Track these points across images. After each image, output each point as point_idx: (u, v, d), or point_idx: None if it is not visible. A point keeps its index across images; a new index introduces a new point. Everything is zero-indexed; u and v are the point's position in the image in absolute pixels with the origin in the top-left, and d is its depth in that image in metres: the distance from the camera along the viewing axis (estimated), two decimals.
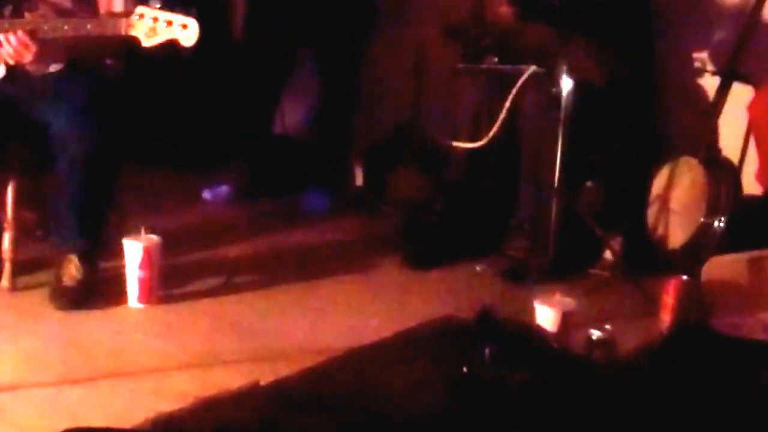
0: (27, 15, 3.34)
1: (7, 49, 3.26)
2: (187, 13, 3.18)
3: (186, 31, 3.17)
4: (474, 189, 4.17)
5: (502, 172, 4.12)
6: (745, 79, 3.93)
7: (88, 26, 3.27)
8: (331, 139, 4.73)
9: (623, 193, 4.11)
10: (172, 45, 3.19)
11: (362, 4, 4.63)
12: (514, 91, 3.89)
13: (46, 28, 3.29)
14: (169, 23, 3.18)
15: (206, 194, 4.67)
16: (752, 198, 3.91)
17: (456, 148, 4.14)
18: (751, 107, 3.87)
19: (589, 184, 4.04)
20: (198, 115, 4.93)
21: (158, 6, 3.18)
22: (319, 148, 4.74)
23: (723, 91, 3.94)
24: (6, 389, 2.92)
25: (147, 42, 3.20)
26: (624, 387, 2.95)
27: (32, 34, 3.27)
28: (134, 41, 3.22)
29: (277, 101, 4.81)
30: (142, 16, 3.19)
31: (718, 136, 4.09)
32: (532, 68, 3.90)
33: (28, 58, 3.28)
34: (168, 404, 2.75)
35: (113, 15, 3.35)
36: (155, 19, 3.18)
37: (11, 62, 3.31)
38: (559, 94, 3.82)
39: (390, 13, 4.86)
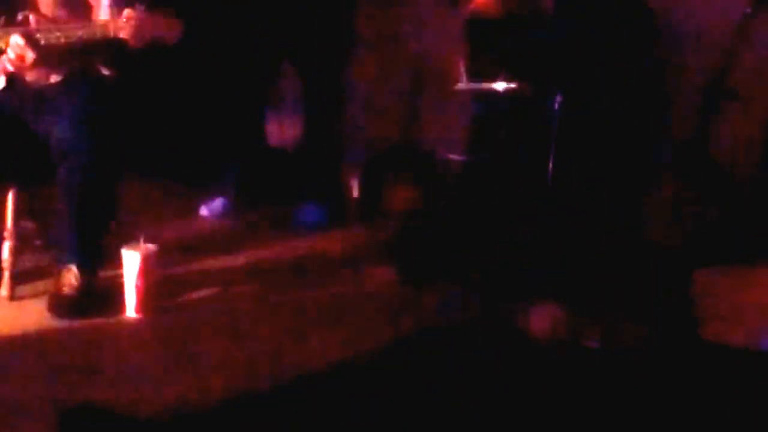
0: (32, 19, 3.40)
1: (9, 55, 3.32)
2: (169, 13, 3.31)
3: (170, 30, 3.31)
4: (470, 202, 4.19)
5: (500, 185, 4.16)
6: (732, 97, 3.97)
7: (79, 33, 3.34)
8: (318, 150, 4.72)
9: (617, 207, 4.15)
10: (157, 44, 3.32)
11: (342, 18, 4.63)
12: (514, 110, 3.94)
13: (38, 35, 3.35)
14: (155, 24, 3.30)
15: (203, 210, 4.69)
16: (740, 210, 3.96)
17: (453, 161, 4.17)
18: None
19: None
20: (192, 127, 4.96)
21: (143, 8, 3.30)
22: (308, 160, 4.75)
23: (711, 108, 3.98)
24: (4, 397, 2.95)
25: (135, 43, 3.31)
26: (613, 395, 2.99)
27: (28, 39, 3.33)
28: (123, 43, 3.32)
29: (263, 112, 4.82)
30: (129, 18, 3.30)
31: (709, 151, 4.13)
32: (531, 87, 3.94)
33: (28, 61, 3.33)
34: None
35: (101, 20, 3.41)
36: (141, 20, 3.29)
37: (11, 69, 3.36)
38: (551, 108, 3.87)
39: (386, 25, 4.92)
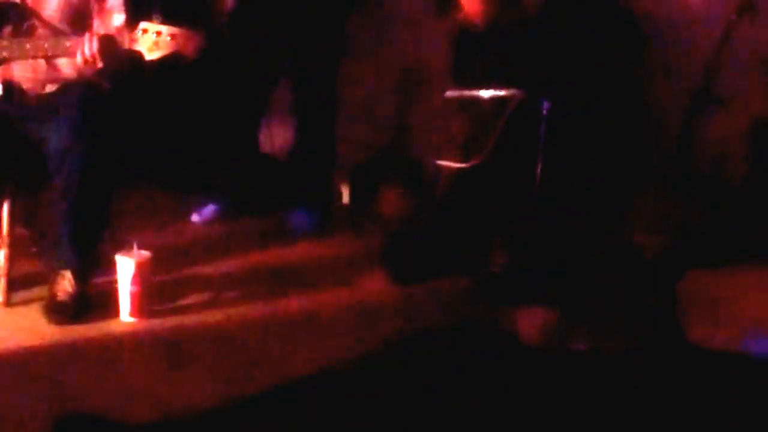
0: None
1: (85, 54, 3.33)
2: (190, 25, 3.27)
3: (190, 43, 3.27)
4: (459, 207, 4.22)
5: (488, 191, 4.18)
6: (717, 101, 4.02)
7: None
8: (311, 158, 4.74)
9: (604, 212, 4.18)
10: (174, 57, 3.29)
11: (336, 25, 4.63)
12: (504, 117, 3.97)
13: (46, 45, 3.37)
14: (173, 37, 3.27)
15: (195, 217, 4.71)
16: (725, 214, 4.00)
17: (442, 167, 4.19)
18: None
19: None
20: (184, 134, 4.98)
21: (160, 20, 3.28)
22: (301, 168, 4.77)
23: (696, 112, 4.02)
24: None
25: (150, 56, 3.28)
26: (601, 397, 3.03)
27: (34, 51, 3.36)
28: (137, 55, 3.31)
29: (259, 121, 4.84)
30: (145, 31, 3.29)
31: (693, 155, 4.17)
32: (519, 94, 3.96)
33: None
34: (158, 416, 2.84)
35: (115, 32, 3.42)
36: (158, 33, 3.27)
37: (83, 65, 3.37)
38: (539, 114, 3.91)
39: (375, 34, 4.96)
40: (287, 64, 4.62)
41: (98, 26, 3.54)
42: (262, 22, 4.52)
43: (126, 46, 3.32)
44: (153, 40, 3.27)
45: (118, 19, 3.52)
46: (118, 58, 3.35)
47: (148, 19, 3.31)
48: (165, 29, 3.27)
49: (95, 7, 3.57)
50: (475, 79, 4.17)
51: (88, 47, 3.30)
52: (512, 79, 4.02)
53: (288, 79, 4.68)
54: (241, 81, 4.61)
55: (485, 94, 4.11)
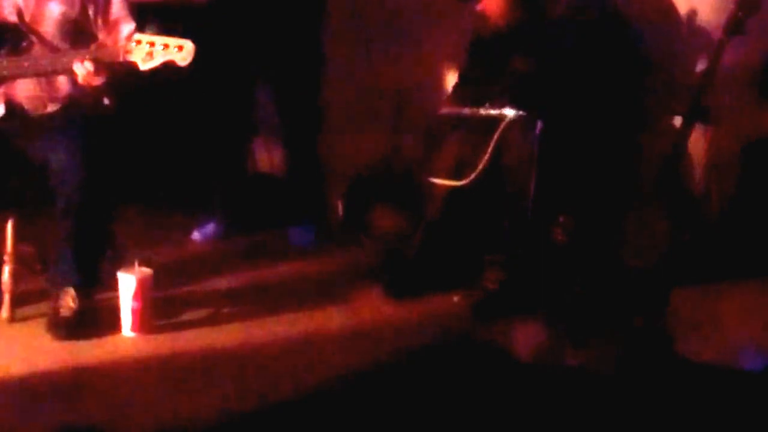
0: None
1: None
2: (182, 35, 3.33)
3: (182, 52, 3.31)
4: (452, 224, 4.26)
5: (481, 209, 4.19)
6: (707, 119, 4.07)
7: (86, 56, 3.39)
8: (299, 172, 4.78)
9: (595, 229, 4.23)
10: (168, 66, 3.34)
11: (311, 36, 4.67)
12: (496, 135, 4.01)
13: (44, 63, 3.42)
14: (166, 46, 3.32)
15: (195, 235, 4.76)
16: (713, 231, 4.05)
17: (435, 185, 4.23)
18: None
19: (561, 219, 4.15)
20: (183, 154, 5.00)
21: (153, 31, 3.34)
22: (293, 183, 4.81)
23: (686, 132, 4.07)
24: (3, 417, 3.03)
25: (144, 66, 3.33)
26: (593, 412, 3.07)
27: (33, 69, 3.41)
28: (132, 66, 3.35)
29: (246, 139, 4.90)
30: (139, 42, 3.34)
31: (683, 174, 4.22)
32: (513, 113, 3.99)
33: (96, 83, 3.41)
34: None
35: (109, 44, 3.48)
36: (152, 44, 3.32)
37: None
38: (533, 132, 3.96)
39: (369, 51, 5.02)
40: (266, 73, 4.66)
41: (104, 38, 3.60)
42: (232, 36, 4.56)
43: (120, 58, 3.36)
44: (146, 51, 3.33)
45: (127, 28, 3.58)
46: (116, 70, 3.40)
47: (141, 30, 3.38)
48: (158, 39, 3.33)
49: (98, 20, 3.63)
50: (484, 89, 4.21)
51: (85, 62, 3.37)
52: (518, 93, 4.06)
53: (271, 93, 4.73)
54: (218, 98, 4.65)
55: (479, 112, 4.15)
